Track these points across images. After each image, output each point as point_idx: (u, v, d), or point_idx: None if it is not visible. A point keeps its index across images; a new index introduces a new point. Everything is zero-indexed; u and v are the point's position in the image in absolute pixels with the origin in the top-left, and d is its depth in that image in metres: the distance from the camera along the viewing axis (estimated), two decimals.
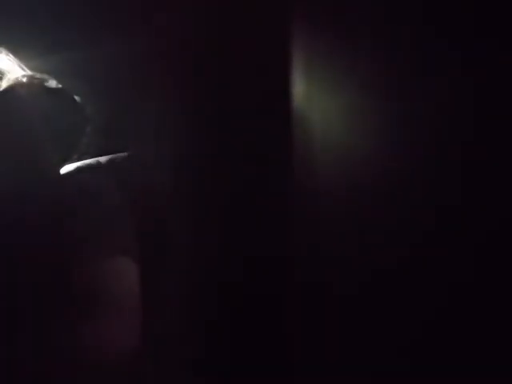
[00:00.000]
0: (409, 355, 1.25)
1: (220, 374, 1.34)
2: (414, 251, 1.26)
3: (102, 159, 1.33)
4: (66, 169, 1.30)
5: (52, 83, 1.30)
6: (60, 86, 1.30)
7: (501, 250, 1.22)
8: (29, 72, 1.29)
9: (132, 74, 1.45)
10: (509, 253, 1.21)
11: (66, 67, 1.38)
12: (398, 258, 1.26)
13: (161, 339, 1.28)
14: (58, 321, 1.13)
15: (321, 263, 1.32)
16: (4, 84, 1.24)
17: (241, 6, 1.35)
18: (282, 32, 1.33)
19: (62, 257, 1.16)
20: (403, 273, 1.26)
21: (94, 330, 1.14)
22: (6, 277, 1.15)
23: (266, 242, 1.33)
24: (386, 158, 1.28)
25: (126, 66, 1.45)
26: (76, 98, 1.31)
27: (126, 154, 1.34)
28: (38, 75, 1.29)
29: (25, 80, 1.26)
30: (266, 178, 1.35)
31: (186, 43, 1.39)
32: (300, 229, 1.32)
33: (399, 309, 1.26)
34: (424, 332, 1.25)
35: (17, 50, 1.30)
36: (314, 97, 1.33)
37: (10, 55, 1.30)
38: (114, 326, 1.16)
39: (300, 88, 1.33)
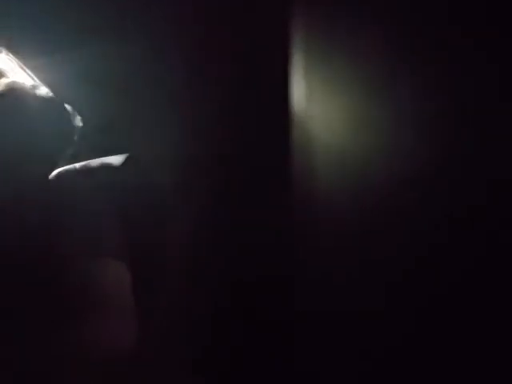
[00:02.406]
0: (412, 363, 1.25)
1: (220, 374, 1.34)
2: (419, 259, 1.25)
3: (96, 162, 1.33)
4: (58, 172, 1.31)
5: (42, 91, 1.30)
6: (50, 94, 1.31)
7: (503, 251, 1.22)
8: (19, 78, 1.30)
9: (132, 73, 1.45)
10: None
11: (66, 67, 1.38)
12: (401, 267, 1.26)
13: (161, 339, 1.28)
14: (56, 321, 1.13)
15: (321, 263, 1.32)
16: None
17: (241, 6, 1.35)
18: (282, 32, 1.33)
19: (58, 258, 1.16)
20: (407, 284, 1.25)
21: (94, 329, 1.15)
22: (2, 278, 1.15)
23: (266, 242, 1.34)
24: (387, 159, 1.28)
25: (126, 66, 1.45)
26: (66, 106, 1.32)
27: (125, 154, 1.34)
28: (29, 82, 1.30)
29: (15, 86, 1.27)
30: (266, 177, 1.35)
31: (185, 44, 1.39)
32: (299, 230, 1.32)
33: (403, 321, 1.26)
34: (429, 342, 1.24)
35: (17, 49, 1.30)
36: (314, 97, 1.33)
37: (10, 55, 1.30)
38: (113, 326, 1.16)
39: (300, 88, 1.33)
